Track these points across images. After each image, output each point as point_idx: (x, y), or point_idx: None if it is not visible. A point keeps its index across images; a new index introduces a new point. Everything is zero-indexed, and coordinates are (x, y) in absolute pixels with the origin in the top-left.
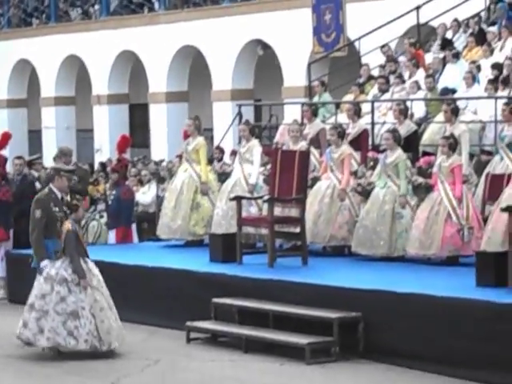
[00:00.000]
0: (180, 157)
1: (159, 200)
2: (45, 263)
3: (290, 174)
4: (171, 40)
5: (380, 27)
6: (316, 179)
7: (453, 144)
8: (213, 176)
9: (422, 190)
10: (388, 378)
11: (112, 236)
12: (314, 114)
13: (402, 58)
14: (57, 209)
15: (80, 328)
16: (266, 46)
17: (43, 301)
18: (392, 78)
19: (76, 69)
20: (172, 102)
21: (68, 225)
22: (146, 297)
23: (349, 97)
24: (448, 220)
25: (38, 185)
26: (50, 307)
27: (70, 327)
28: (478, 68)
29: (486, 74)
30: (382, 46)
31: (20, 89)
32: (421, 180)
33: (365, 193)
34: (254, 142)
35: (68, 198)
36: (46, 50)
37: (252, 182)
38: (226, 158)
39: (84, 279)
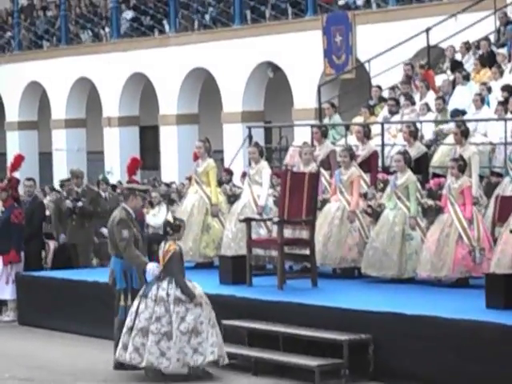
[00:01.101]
0: (190, 179)
1: None
2: (152, 267)
3: (299, 196)
4: (182, 62)
5: (390, 49)
6: (325, 201)
7: (462, 166)
8: (222, 198)
9: (432, 212)
10: None
11: None
12: (324, 135)
13: (417, 83)
14: (135, 229)
15: (203, 343)
16: (276, 68)
17: (159, 323)
18: (402, 100)
19: (87, 91)
20: (182, 124)
21: (173, 245)
22: None
23: (359, 119)
24: (459, 242)
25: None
26: (174, 328)
27: (194, 345)
28: (489, 90)
29: (496, 95)
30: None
31: (31, 111)
32: (431, 202)
33: (375, 214)
34: (264, 163)
35: (171, 218)
36: (57, 73)
37: (261, 204)
38: (236, 180)
39: (195, 298)
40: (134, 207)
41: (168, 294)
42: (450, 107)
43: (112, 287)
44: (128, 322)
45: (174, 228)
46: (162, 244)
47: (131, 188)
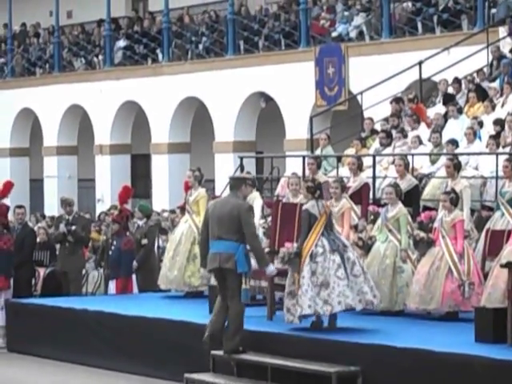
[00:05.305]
0: (181, 208)
1: (160, 251)
2: (273, 269)
3: (290, 227)
4: (174, 91)
5: (382, 81)
6: None
7: (454, 199)
8: None
9: (424, 245)
10: None
11: (112, 286)
12: (319, 166)
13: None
14: None
15: (368, 288)
16: (268, 99)
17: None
18: (394, 133)
19: (79, 118)
20: (174, 153)
21: (328, 206)
22: (145, 347)
23: (350, 150)
24: (449, 275)
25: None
26: (348, 274)
27: (362, 287)
28: (481, 124)
29: (488, 129)
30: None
31: (22, 138)
32: (423, 234)
33: (366, 247)
34: (255, 194)
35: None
36: (49, 100)
37: None
38: None
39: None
40: (245, 195)
41: (345, 245)
42: (442, 141)
43: (231, 270)
44: (312, 281)
45: (319, 187)
46: (314, 203)
47: (240, 177)
